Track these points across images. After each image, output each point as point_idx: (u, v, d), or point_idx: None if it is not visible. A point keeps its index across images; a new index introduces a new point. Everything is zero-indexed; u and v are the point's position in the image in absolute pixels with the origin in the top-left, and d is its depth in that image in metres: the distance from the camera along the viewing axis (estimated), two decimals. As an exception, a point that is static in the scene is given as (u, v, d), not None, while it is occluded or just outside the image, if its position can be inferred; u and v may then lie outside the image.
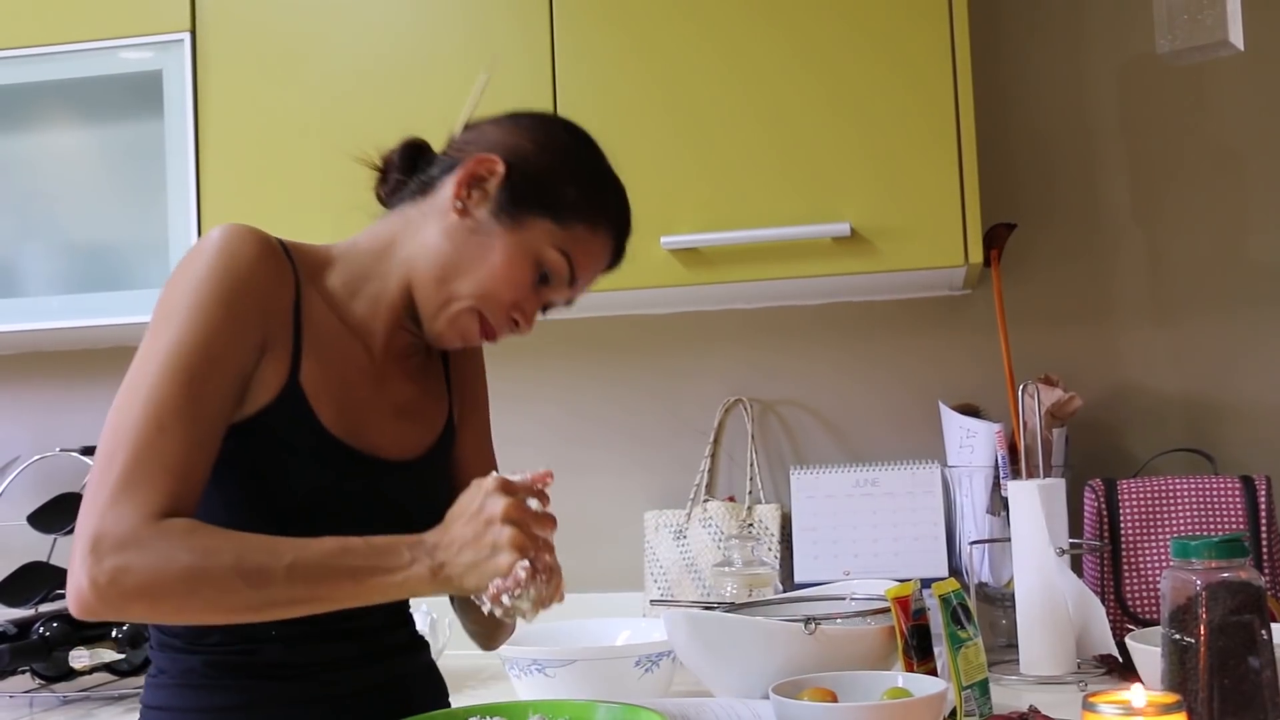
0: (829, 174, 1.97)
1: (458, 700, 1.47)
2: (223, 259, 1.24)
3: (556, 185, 1.35)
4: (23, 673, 2.04)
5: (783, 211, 1.97)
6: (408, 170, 1.40)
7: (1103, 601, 1.86)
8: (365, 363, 1.37)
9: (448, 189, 1.34)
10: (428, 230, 1.35)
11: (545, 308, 1.40)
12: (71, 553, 1.15)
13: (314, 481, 1.28)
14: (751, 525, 2.24)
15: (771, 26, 2.00)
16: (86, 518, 1.15)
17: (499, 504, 1.20)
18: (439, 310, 1.35)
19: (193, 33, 2.14)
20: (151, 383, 1.19)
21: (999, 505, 2.05)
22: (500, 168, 1.33)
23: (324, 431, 1.29)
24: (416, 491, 1.38)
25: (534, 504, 1.24)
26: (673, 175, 2.01)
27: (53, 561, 2.27)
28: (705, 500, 2.30)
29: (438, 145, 1.43)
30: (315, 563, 1.17)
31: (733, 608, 1.72)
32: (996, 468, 2.05)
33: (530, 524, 1.22)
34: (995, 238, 2.14)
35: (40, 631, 2.02)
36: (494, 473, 1.27)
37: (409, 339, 1.42)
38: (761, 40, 2.00)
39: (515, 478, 1.24)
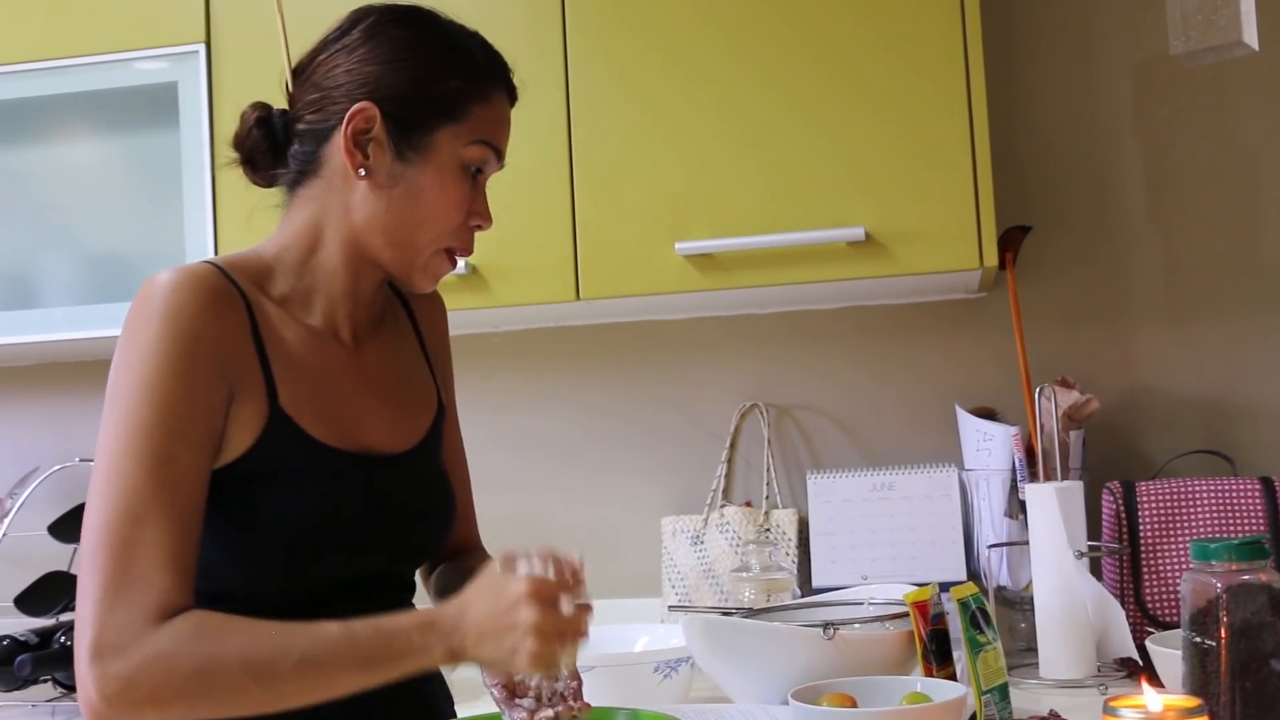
0: (843, 178, 1.97)
1: (474, 709, 1.46)
2: (169, 320, 1.19)
3: (433, 91, 1.29)
4: (44, 681, 2.04)
5: (797, 216, 1.97)
6: (273, 149, 1.34)
7: (1122, 604, 1.85)
8: (342, 357, 1.34)
9: (336, 158, 1.29)
10: (348, 204, 1.30)
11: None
12: (75, 656, 1.13)
13: (315, 501, 1.26)
14: (769, 530, 2.23)
15: (785, 31, 1.99)
16: (83, 624, 1.13)
17: (529, 614, 1.13)
18: (408, 268, 1.32)
19: (207, 44, 2.14)
20: (119, 473, 1.15)
21: (1016, 508, 2.04)
22: (374, 111, 1.27)
23: (318, 446, 1.27)
24: (414, 482, 1.37)
25: (567, 606, 1.15)
26: (686, 181, 2.01)
27: (73, 571, 2.27)
28: (722, 505, 2.30)
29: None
30: (324, 654, 1.13)
31: (751, 613, 1.72)
32: (1014, 471, 2.04)
33: (561, 629, 1.14)
34: (1010, 240, 2.14)
35: (61, 640, 2.03)
36: (527, 560, 1.18)
37: (373, 310, 1.39)
38: (775, 44, 2.00)
39: (549, 569, 1.16)
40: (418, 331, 1.49)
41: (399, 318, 1.48)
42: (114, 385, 1.20)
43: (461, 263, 1.99)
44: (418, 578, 1.49)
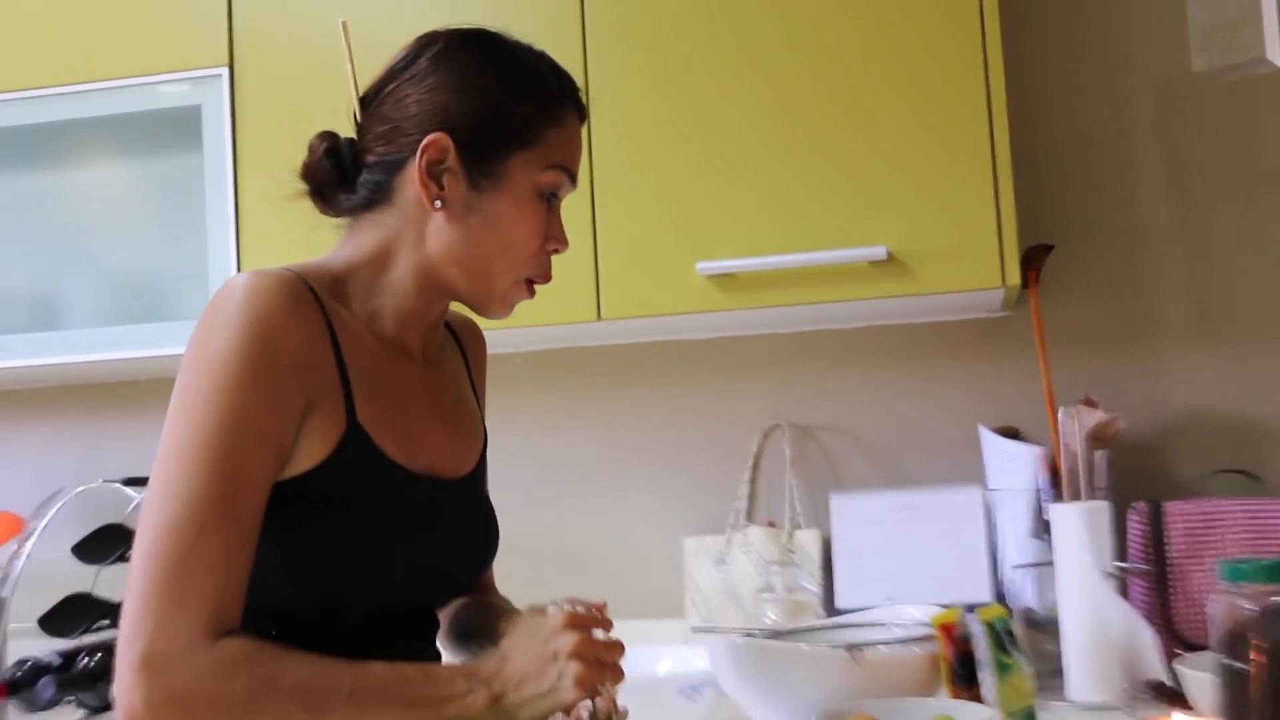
0: (865, 197, 1.97)
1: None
2: (252, 324, 1.15)
3: (505, 117, 1.27)
4: (69, 703, 2.04)
5: (819, 235, 1.96)
6: (343, 179, 1.32)
7: (1151, 626, 1.82)
8: (414, 376, 1.33)
9: (409, 188, 1.27)
10: (422, 233, 1.28)
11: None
12: (118, 665, 1.10)
13: (386, 522, 1.24)
14: (792, 551, 2.22)
15: (801, 49, 1.99)
16: (134, 632, 1.09)
17: (568, 640, 1.15)
18: (485, 297, 1.31)
19: (230, 67, 2.15)
20: (184, 478, 1.12)
21: (1042, 529, 2.02)
22: (446, 141, 1.25)
23: (390, 464, 1.25)
24: (469, 508, 1.36)
25: (599, 634, 1.18)
26: (708, 201, 2.01)
27: (96, 593, 2.27)
28: (745, 526, 2.29)
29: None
30: (374, 691, 1.13)
31: (775, 634, 1.71)
32: (1038, 491, 2.03)
33: (600, 655, 1.17)
34: (1033, 259, 2.13)
35: (85, 663, 2.02)
36: (555, 605, 1.21)
37: (437, 334, 1.39)
38: (792, 63, 2.00)
39: (578, 609, 1.20)
40: (467, 363, 1.49)
41: (450, 345, 1.47)
42: (185, 387, 1.15)
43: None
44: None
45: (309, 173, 1.33)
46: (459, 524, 1.33)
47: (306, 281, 1.23)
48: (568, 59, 2.04)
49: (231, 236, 2.11)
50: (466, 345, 1.50)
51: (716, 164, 2.01)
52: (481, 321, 1.50)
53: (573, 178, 1.32)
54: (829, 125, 1.98)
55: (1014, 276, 1.91)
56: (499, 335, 2.17)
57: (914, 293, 1.96)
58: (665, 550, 2.34)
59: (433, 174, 1.26)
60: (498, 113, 1.27)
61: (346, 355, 1.24)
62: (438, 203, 1.26)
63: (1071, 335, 2.24)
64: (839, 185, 1.97)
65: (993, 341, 2.27)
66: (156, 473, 1.14)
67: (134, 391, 2.56)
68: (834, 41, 1.99)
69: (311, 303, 1.21)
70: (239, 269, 2.10)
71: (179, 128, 2.17)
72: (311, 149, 1.33)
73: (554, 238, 1.32)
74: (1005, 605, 1.88)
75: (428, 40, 1.31)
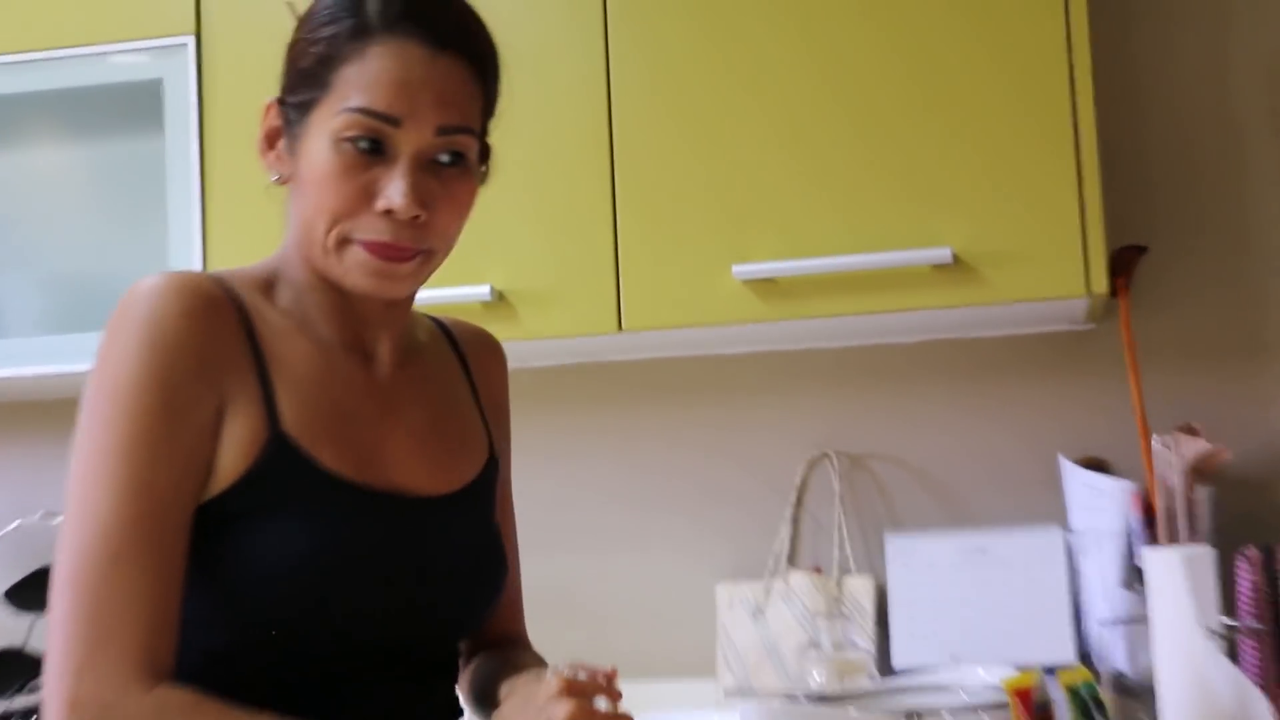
0: (928, 191, 1.97)
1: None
2: (146, 328, 1.19)
3: (301, 65, 1.28)
4: (0, 774, 2.03)
5: (874, 235, 1.97)
6: None
7: (1264, 693, 1.81)
8: (360, 379, 1.33)
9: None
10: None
11: (447, 168, 1.27)
12: (44, 710, 1.12)
13: (324, 541, 1.24)
14: (841, 601, 2.22)
15: (855, 21, 2.00)
16: (59, 673, 1.12)
17: (562, 711, 1.14)
18: (324, 267, 1.29)
19: (197, 36, 2.16)
20: (90, 504, 1.15)
21: (1134, 578, 2.02)
22: (275, 108, 1.31)
23: (328, 477, 1.25)
24: (454, 532, 1.35)
25: (602, 703, 1.17)
26: (746, 194, 2.01)
27: (30, 647, 2.26)
28: (787, 572, 2.29)
29: None
30: None
31: (821, 699, 1.71)
32: (1129, 534, 2.03)
33: None
34: (1123, 262, 2.12)
35: (20, 725, 2.02)
36: (554, 670, 1.21)
37: (398, 336, 1.38)
38: (847, 29, 2.00)
39: (580, 675, 1.19)
40: (470, 377, 1.49)
41: (444, 354, 1.47)
42: (86, 407, 1.20)
43: (486, 288, 2.00)
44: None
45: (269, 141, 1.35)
46: (436, 550, 1.32)
47: (222, 281, 1.26)
48: (585, 33, 2.07)
49: (196, 230, 2.12)
50: (470, 355, 1.50)
51: (756, 152, 2.01)
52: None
53: (389, 120, 1.24)
54: (887, 104, 1.98)
55: (1101, 283, 1.92)
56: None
57: (984, 301, 1.97)
58: (694, 599, 2.34)
59: (271, 144, 1.31)
60: (296, 63, 1.30)
61: (269, 357, 1.26)
62: (273, 173, 1.31)
63: (1168, 351, 2.23)
64: (898, 175, 1.97)
65: (1076, 358, 2.27)
66: (66, 503, 1.17)
67: (79, 410, 2.55)
68: (889, 13, 1.99)
69: (220, 299, 1.24)
70: (204, 267, 2.10)
71: (136, 105, 2.17)
72: (267, 113, 1.34)
73: (381, 193, 1.25)
74: (1091, 668, 1.87)
75: None
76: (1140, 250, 2.15)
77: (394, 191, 1.23)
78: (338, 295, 1.32)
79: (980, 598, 2.15)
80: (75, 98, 2.20)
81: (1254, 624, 1.91)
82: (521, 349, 2.23)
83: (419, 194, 1.24)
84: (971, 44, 1.96)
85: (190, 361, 1.20)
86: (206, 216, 2.12)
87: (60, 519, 2.20)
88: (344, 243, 1.26)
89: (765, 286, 1.99)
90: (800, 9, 2.01)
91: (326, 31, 1.27)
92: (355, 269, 1.27)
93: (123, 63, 2.18)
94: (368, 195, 1.24)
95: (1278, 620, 1.91)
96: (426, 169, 1.25)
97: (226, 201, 2.12)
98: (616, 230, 2.03)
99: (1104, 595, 2.04)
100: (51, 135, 2.24)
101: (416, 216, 1.24)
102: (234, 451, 1.22)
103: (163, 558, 1.16)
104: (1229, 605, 1.94)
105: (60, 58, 2.18)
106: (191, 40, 2.15)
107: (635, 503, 2.39)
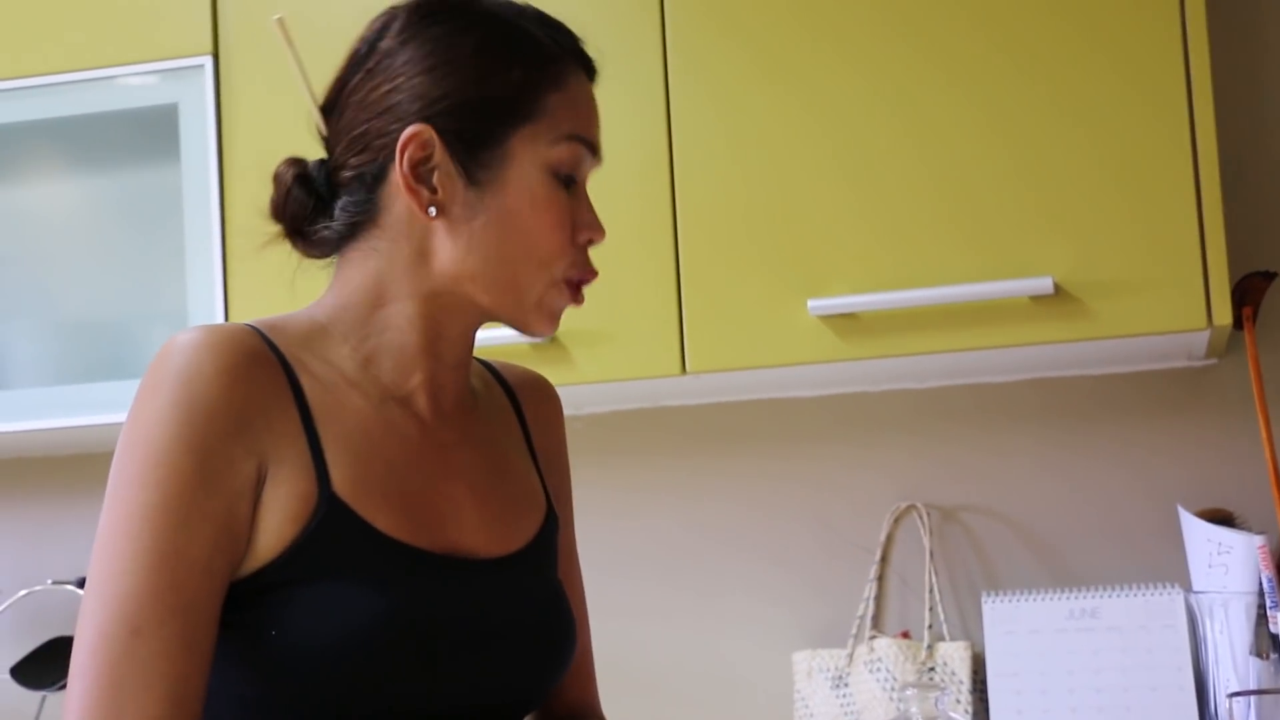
0: (1025, 214, 1.98)
1: None
2: (182, 387, 1.20)
3: (493, 89, 1.29)
4: None
5: (964, 265, 1.98)
6: (321, 209, 1.35)
7: None
8: (417, 433, 1.34)
9: (397, 201, 1.30)
10: (422, 251, 1.31)
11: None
12: None
13: (381, 608, 1.24)
14: (933, 669, 2.22)
15: (950, 25, 2.01)
16: None
17: None
18: (518, 311, 1.33)
19: (215, 57, 2.18)
20: (113, 573, 1.16)
21: (1266, 644, 2.01)
22: (429, 133, 1.28)
23: (386, 541, 1.26)
24: (518, 595, 1.35)
25: None
26: (822, 222, 2.02)
27: (41, 728, 2.28)
28: (872, 637, 2.28)
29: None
30: None
31: (915, 785, 1.68)
32: (1261, 594, 2.01)
33: None
34: (1249, 291, 2.11)
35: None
36: None
37: (461, 387, 1.40)
38: (934, 45, 2.01)
39: None
40: (524, 425, 1.50)
41: (498, 401, 1.49)
42: (114, 468, 1.21)
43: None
44: None
45: (279, 209, 1.37)
46: (499, 614, 1.33)
47: (263, 333, 1.27)
48: (644, 47, 2.08)
49: (218, 269, 2.13)
50: (525, 402, 1.51)
51: (831, 176, 2.02)
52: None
53: (593, 149, 1.35)
54: (975, 123, 1.99)
55: (1224, 314, 1.92)
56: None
57: (1090, 336, 1.97)
58: (769, 668, 2.34)
59: (420, 176, 1.29)
60: (483, 86, 1.29)
61: (317, 414, 1.27)
62: (432, 210, 1.29)
63: (1300, 389, 2.22)
64: (990, 199, 1.98)
65: (1196, 398, 2.26)
66: (90, 569, 1.19)
67: (92, 467, 2.55)
68: (984, 22, 2.00)
69: (264, 355, 1.26)
70: (226, 311, 2.11)
71: (150, 132, 2.19)
72: (277, 180, 1.36)
73: (585, 225, 1.34)
74: (1220, 748, 1.85)
75: (386, 19, 1.35)
76: (1269, 276, 2.14)
77: (595, 222, 1.34)
78: (427, 338, 1.34)
79: (1090, 667, 2.14)
80: (82, 125, 2.23)
81: (1407, 699, 1.88)
82: (575, 394, 2.24)
83: None
84: (1074, 50, 1.96)
85: (227, 422, 1.21)
86: (227, 254, 2.14)
87: (69, 585, 2.23)
88: (550, 287, 1.33)
89: (844, 323, 2.00)
90: (879, 38, 2.02)
91: (522, 54, 1.31)
92: (550, 308, 1.35)
93: (134, 86, 2.20)
94: (575, 230, 1.33)
95: None
96: None
97: (250, 237, 2.12)
98: (679, 262, 2.04)
99: (1232, 664, 2.02)
100: (57, 167, 2.26)
101: (592, 241, 1.35)
102: (280, 517, 1.22)
103: (188, 632, 1.16)
104: (1377, 676, 1.92)
105: (65, 82, 2.20)
106: (209, 61, 2.17)
107: (702, 562, 2.39)
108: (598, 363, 2.06)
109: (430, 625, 1.26)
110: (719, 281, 2.03)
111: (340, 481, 1.25)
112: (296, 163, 1.37)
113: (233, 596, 1.21)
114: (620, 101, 2.03)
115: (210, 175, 2.14)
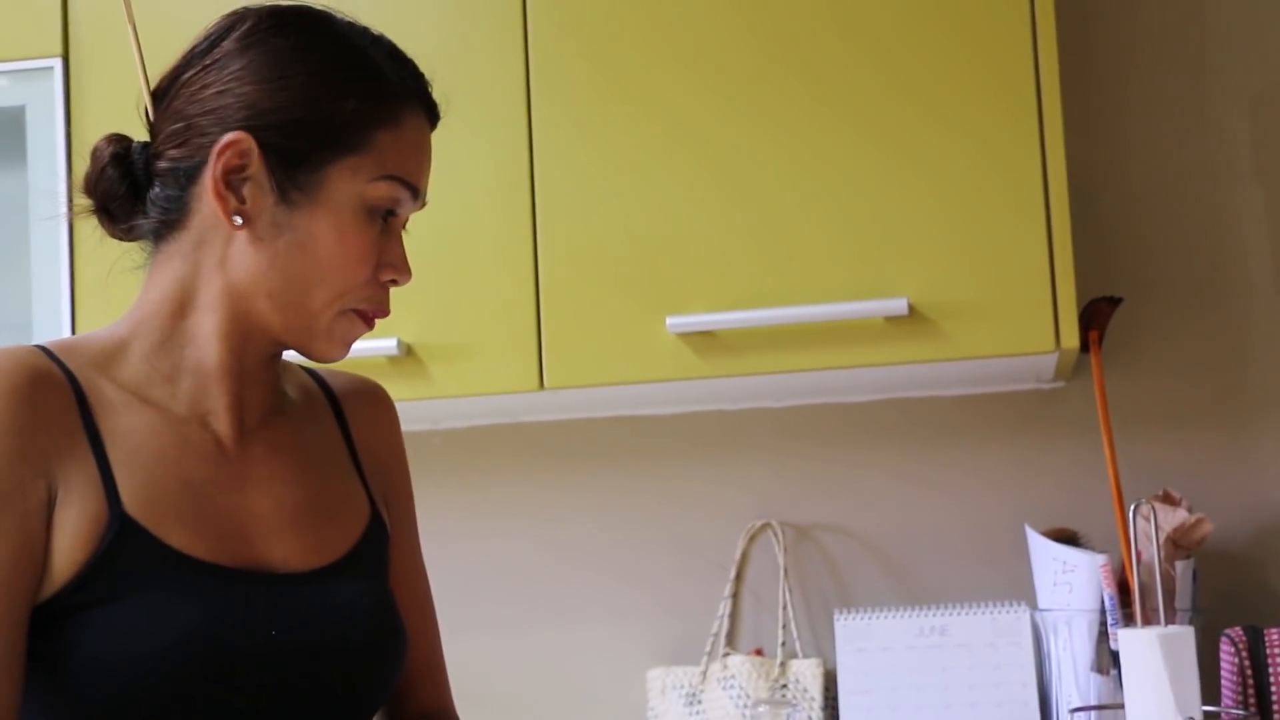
0: (879, 237, 1.98)
1: None
2: None
3: (325, 114, 1.29)
4: None
5: (822, 284, 1.98)
6: (133, 194, 1.34)
7: (1247, 789, 1.83)
8: (214, 450, 1.32)
9: (206, 203, 1.29)
10: (223, 259, 1.30)
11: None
12: None
13: (180, 627, 1.23)
14: (786, 686, 2.22)
15: (797, 44, 2.02)
16: None
17: None
18: (304, 335, 1.32)
19: (65, 58, 2.15)
20: None
21: (1107, 661, 2.03)
22: (249, 143, 1.27)
23: (181, 559, 1.25)
24: (332, 608, 1.34)
25: None
26: (681, 240, 2.02)
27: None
28: (725, 654, 2.28)
29: None
30: None
31: (765, 800, 1.70)
32: (1103, 612, 2.04)
33: None
34: (1095, 315, 2.13)
35: None
36: None
37: (268, 400, 1.38)
38: (785, 65, 2.02)
39: None
40: (347, 432, 1.48)
41: (318, 410, 1.46)
42: None
43: (393, 341, 2.00)
44: None
45: (89, 184, 1.35)
46: (307, 627, 1.31)
47: (53, 354, 1.27)
48: (505, 66, 2.07)
49: (64, 275, 2.10)
50: (349, 408, 1.49)
51: (690, 195, 2.02)
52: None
53: (414, 192, 1.34)
54: (834, 144, 2.00)
55: (1071, 337, 1.94)
56: (410, 408, 2.15)
57: (943, 357, 1.98)
58: (623, 685, 2.34)
59: (231, 184, 1.28)
60: (315, 109, 1.29)
61: (106, 434, 1.26)
62: (237, 219, 1.28)
63: (1144, 412, 2.25)
64: (845, 223, 1.99)
65: (1043, 419, 2.28)
66: None
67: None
68: (840, 37, 2.01)
69: (51, 375, 1.25)
70: (73, 318, 2.08)
71: (-4, 135, 2.16)
72: (95, 155, 1.34)
73: (390, 265, 1.33)
74: (1062, 762, 1.88)
75: (235, 19, 1.33)
76: (1114, 302, 2.16)
77: (401, 264, 1.34)
78: (226, 355, 1.32)
79: (939, 684, 2.16)
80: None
81: (1238, 711, 1.93)
82: (432, 408, 2.24)
83: None
84: (931, 76, 1.98)
85: (12, 443, 1.20)
86: (75, 260, 2.10)
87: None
88: (341, 315, 1.32)
89: (702, 340, 2.00)
90: (726, 48, 2.03)
91: (363, 85, 1.31)
92: (340, 337, 1.34)
93: (-19, 87, 2.16)
94: (378, 266, 1.32)
95: (1263, 707, 1.93)
96: None
97: (98, 244, 2.10)
98: (538, 277, 2.03)
99: (1075, 680, 2.05)
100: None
101: (395, 282, 1.35)
102: (72, 539, 1.21)
103: None
104: (1210, 691, 1.95)
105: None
106: (59, 63, 2.14)
107: (558, 579, 2.39)
108: (455, 377, 2.03)
109: (230, 642, 1.25)
110: (578, 297, 2.02)
111: (132, 501, 1.24)
112: (118, 140, 1.35)
113: (31, 624, 1.20)
114: (482, 118, 2.03)
115: (58, 179, 2.11)
